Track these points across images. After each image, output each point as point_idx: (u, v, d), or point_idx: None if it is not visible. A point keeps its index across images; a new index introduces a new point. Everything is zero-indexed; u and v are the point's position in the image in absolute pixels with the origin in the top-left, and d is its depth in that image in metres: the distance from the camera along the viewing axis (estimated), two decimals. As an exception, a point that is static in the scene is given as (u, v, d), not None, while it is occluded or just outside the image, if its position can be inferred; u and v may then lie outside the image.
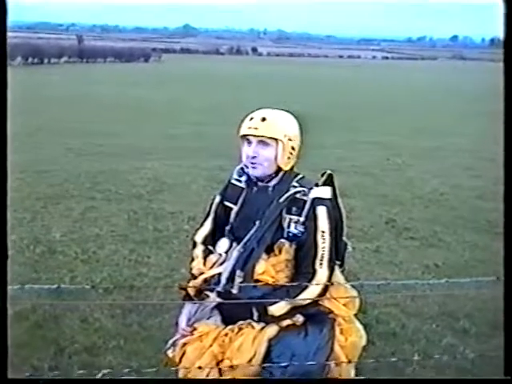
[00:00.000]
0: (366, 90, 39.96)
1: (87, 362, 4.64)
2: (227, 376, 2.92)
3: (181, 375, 3.03)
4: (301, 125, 3.14)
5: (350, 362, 3.08)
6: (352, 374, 3.15)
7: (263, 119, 2.99)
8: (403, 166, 13.46)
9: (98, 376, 2.91)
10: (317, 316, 3.02)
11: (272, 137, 2.97)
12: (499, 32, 2.10)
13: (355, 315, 3.20)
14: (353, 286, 3.25)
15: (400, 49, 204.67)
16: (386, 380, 2.85)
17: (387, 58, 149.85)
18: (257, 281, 2.95)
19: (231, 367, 2.90)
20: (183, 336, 3.07)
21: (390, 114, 25.14)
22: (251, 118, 3.02)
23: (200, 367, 2.91)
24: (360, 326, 3.21)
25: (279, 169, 3.03)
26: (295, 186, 3.01)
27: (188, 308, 3.16)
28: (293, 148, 3.04)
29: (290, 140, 3.01)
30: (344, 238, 3.20)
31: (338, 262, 3.18)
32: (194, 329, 3.06)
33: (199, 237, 3.27)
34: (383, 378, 4.38)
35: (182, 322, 3.13)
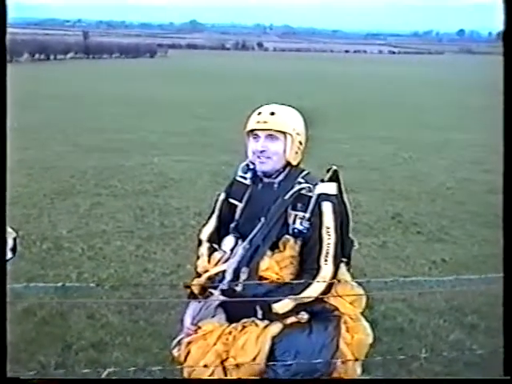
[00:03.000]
0: (372, 84, 39.85)
1: (94, 359, 4.64)
2: (231, 374, 2.91)
3: (186, 374, 3.02)
4: (306, 121, 3.13)
5: (356, 360, 3.06)
6: (358, 372, 3.13)
7: (272, 113, 2.99)
8: (410, 161, 13.43)
9: (103, 375, 2.90)
10: (322, 313, 3.01)
11: (281, 130, 2.97)
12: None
13: (362, 312, 3.18)
14: (359, 283, 3.23)
15: (406, 43, 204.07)
16: (386, 380, 2.83)
17: (394, 52, 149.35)
18: (261, 278, 2.93)
19: (235, 365, 2.88)
20: (188, 335, 3.06)
21: (397, 108, 25.07)
22: (259, 113, 3.02)
23: (205, 366, 2.90)
24: (367, 324, 3.19)
25: (287, 164, 3.03)
26: (300, 182, 3.00)
27: (192, 307, 3.15)
28: (300, 143, 3.05)
29: (298, 134, 3.02)
30: (350, 236, 3.18)
31: (344, 260, 3.16)
32: (199, 327, 3.04)
33: (204, 234, 3.26)
34: (387, 374, 4.38)
35: (187, 320, 3.11)
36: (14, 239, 2.74)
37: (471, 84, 40.61)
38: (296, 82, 37.83)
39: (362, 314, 3.18)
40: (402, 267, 6.90)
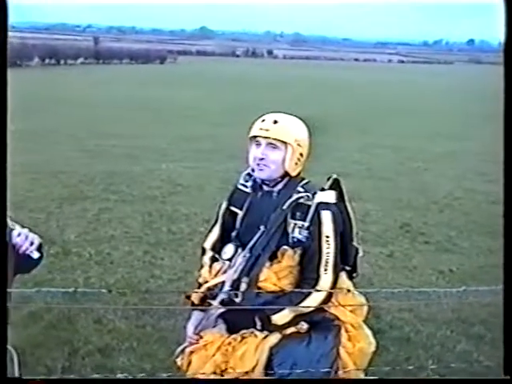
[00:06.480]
0: (381, 93, 39.79)
1: (100, 364, 4.65)
2: None
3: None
4: (310, 132, 3.12)
5: (357, 369, 3.05)
6: None
7: (275, 122, 2.96)
8: (418, 170, 13.42)
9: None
10: (321, 323, 2.99)
11: (282, 140, 2.94)
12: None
13: (364, 321, 3.16)
14: (363, 292, 3.21)
15: (416, 52, 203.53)
16: (385, 380, 2.82)
17: (403, 61, 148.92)
18: (259, 288, 2.93)
19: (234, 376, 2.89)
20: (190, 344, 3.07)
21: (406, 117, 25.04)
22: (263, 120, 3.00)
23: (204, 375, 2.91)
24: (369, 332, 3.15)
25: (286, 173, 3.00)
26: (299, 191, 2.98)
27: (195, 316, 3.14)
28: (301, 154, 3.01)
29: (299, 146, 2.98)
30: (355, 244, 3.16)
31: (348, 268, 3.15)
32: (201, 337, 3.04)
33: (208, 243, 3.26)
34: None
35: (190, 329, 3.11)
36: (40, 244, 2.79)
37: (480, 94, 40.50)
38: (305, 90, 37.83)
39: (365, 322, 3.17)
40: (410, 277, 6.89)
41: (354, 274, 3.21)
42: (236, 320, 2.98)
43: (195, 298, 3.13)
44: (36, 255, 2.75)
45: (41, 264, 2.93)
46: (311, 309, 2.92)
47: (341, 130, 19.17)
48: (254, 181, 3.10)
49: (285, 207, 2.96)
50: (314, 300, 2.91)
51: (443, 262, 7.42)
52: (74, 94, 27.66)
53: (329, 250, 2.94)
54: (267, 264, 2.95)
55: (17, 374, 2.68)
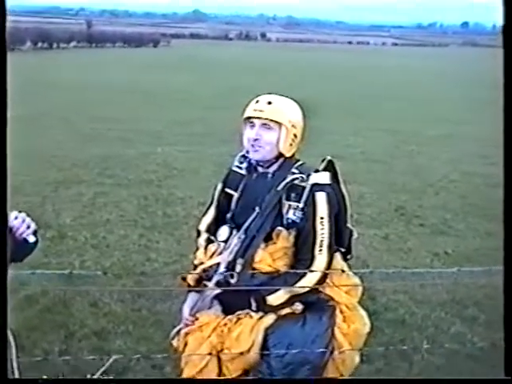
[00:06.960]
0: (375, 76, 39.69)
1: (97, 347, 4.67)
2: (226, 365, 2.94)
3: (182, 364, 3.05)
4: (304, 114, 3.12)
5: (352, 349, 3.06)
6: (356, 361, 3.13)
7: (269, 103, 2.96)
8: (413, 153, 13.42)
9: (109, 362, 2.93)
10: (316, 304, 3.00)
11: (276, 120, 2.93)
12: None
13: (359, 303, 3.17)
14: (358, 273, 3.22)
15: (410, 35, 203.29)
16: (384, 380, 2.84)
17: (397, 44, 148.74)
18: (254, 269, 2.93)
19: (230, 357, 2.91)
20: (186, 325, 3.08)
21: (400, 100, 24.99)
22: (257, 101, 2.99)
23: (199, 357, 2.93)
24: (364, 313, 3.16)
25: (280, 155, 3.00)
26: (294, 173, 2.98)
27: (190, 297, 3.15)
28: (295, 135, 3.00)
29: (293, 127, 2.98)
30: (349, 225, 3.17)
31: (342, 250, 3.16)
32: (196, 318, 3.05)
33: (203, 225, 3.26)
34: (389, 365, 4.41)
35: (185, 311, 3.13)
36: (35, 230, 2.81)
37: (475, 77, 40.44)
38: (299, 73, 37.74)
39: (360, 303, 3.18)
40: (404, 259, 6.92)
41: (349, 256, 3.24)
42: (231, 301, 3.00)
43: (191, 279, 3.12)
44: (32, 239, 2.77)
45: (36, 248, 2.94)
46: (306, 289, 2.92)
47: (335, 113, 19.14)
48: (249, 162, 3.10)
49: (279, 188, 2.96)
50: (308, 281, 2.91)
51: (438, 244, 7.44)
52: (67, 78, 27.51)
53: (323, 230, 2.94)
54: (262, 245, 2.95)
55: (14, 357, 2.68)
